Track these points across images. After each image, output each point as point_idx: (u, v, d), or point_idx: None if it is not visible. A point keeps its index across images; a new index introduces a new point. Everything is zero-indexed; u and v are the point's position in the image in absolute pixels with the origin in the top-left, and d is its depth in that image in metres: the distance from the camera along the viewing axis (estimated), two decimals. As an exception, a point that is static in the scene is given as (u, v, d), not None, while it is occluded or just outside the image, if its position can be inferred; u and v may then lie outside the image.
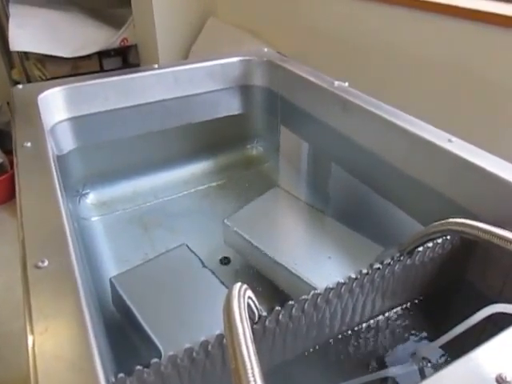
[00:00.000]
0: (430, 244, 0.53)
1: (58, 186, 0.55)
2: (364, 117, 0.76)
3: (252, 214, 0.80)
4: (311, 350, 0.52)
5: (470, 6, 0.94)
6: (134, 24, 2.10)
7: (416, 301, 0.59)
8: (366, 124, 0.77)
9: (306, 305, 0.47)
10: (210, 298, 0.64)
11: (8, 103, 2.07)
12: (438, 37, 1.04)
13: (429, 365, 0.52)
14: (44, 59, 2.10)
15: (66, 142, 0.87)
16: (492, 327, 0.42)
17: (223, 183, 1.04)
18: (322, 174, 0.99)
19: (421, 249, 0.53)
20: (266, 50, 1.05)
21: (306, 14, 1.45)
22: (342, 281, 0.49)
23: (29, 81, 2.20)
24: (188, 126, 1.00)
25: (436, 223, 0.47)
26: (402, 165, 0.71)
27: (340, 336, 0.54)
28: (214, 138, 1.06)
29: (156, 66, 0.94)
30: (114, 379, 0.36)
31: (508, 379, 0.31)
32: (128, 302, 0.63)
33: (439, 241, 0.54)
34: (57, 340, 0.34)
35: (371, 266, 0.50)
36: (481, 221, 0.45)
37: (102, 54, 2.20)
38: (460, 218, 0.45)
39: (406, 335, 0.56)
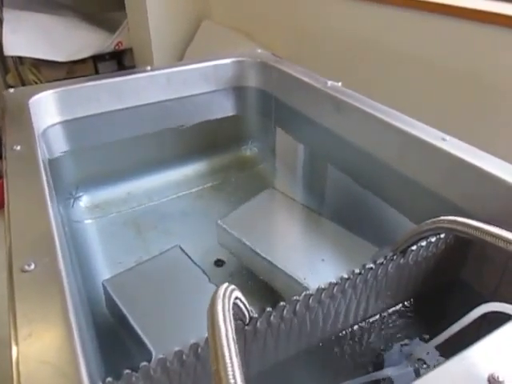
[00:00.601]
0: (424, 243, 0.52)
1: (47, 189, 0.55)
2: (358, 116, 0.76)
3: (246, 215, 0.80)
4: (304, 351, 0.51)
5: (469, 6, 0.94)
6: (129, 27, 2.10)
7: (410, 300, 0.59)
8: (359, 124, 0.76)
9: (298, 306, 0.46)
10: (203, 301, 0.63)
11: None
12: (433, 36, 1.04)
13: (424, 366, 0.51)
14: (39, 64, 2.10)
15: (59, 145, 0.87)
16: (487, 326, 0.42)
17: (217, 184, 1.03)
18: (317, 174, 0.99)
19: (414, 248, 0.52)
20: (259, 51, 1.05)
21: (300, 15, 1.45)
22: (335, 281, 0.48)
23: (23, 85, 2.19)
24: (182, 128, 1.00)
25: (428, 221, 0.47)
26: (396, 164, 0.71)
27: (333, 337, 0.54)
28: (208, 140, 1.05)
29: (149, 67, 0.93)
30: (101, 384, 0.36)
31: (500, 379, 0.30)
32: (120, 305, 0.62)
33: (433, 239, 0.53)
34: (41, 345, 0.34)
35: (364, 265, 0.50)
36: (475, 219, 0.44)
37: (96, 58, 2.20)
38: (452, 215, 0.45)
39: (401, 335, 0.56)
